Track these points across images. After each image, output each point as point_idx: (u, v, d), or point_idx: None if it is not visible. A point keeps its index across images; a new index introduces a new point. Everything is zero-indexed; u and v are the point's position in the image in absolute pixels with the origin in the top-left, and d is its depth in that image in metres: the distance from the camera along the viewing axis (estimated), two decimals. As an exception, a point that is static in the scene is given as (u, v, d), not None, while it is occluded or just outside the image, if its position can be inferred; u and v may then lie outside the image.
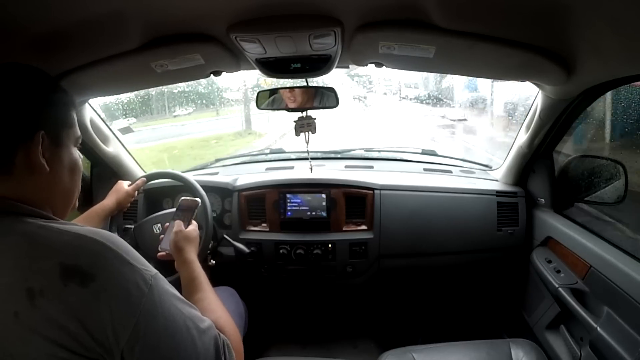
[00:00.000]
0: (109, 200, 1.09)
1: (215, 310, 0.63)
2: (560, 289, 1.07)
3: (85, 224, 1.01)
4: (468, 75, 1.15)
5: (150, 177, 1.24)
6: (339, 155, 1.77)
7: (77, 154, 0.59)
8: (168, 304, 0.49)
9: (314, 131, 1.25)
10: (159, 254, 0.89)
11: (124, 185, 1.15)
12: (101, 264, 0.46)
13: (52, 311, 0.43)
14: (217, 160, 1.79)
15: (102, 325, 0.44)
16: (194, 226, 0.87)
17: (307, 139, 1.27)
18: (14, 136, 0.49)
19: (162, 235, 0.93)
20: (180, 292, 0.55)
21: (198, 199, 0.98)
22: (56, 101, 0.54)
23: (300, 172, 1.47)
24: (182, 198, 0.99)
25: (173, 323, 0.49)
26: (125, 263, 0.47)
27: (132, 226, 1.22)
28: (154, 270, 0.51)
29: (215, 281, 1.24)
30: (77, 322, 0.43)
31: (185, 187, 1.27)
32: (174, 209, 1.23)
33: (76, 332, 0.43)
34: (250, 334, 1.19)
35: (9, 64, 0.52)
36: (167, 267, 0.83)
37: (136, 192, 1.18)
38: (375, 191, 1.36)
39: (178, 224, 0.84)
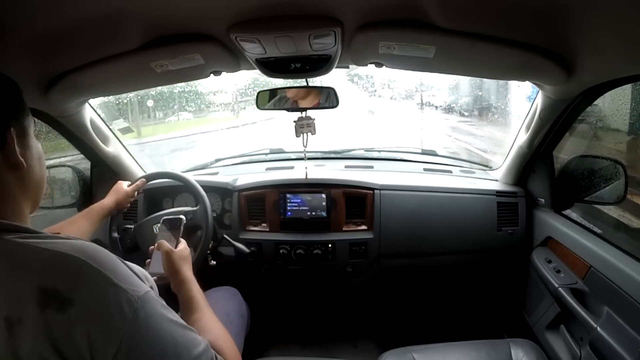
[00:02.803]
0: (109, 200, 1.09)
1: (213, 330, 0.60)
2: (560, 289, 1.07)
3: (83, 222, 1.00)
4: (468, 75, 1.15)
5: (150, 177, 1.24)
6: (339, 155, 1.77)
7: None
8: (156, 329, 0.45)
9: (313, 132, 1.24)
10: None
11: (124, 185, 1.14)
12: (81, 286, 0.42)
13: (31, 340, 0.41)
14: (217, 160, 1.79)
15: (80, 354, 0.41)
16: (183, 244, 0.82)
17: (305, 141, 1.26)
18: None
19: (148, 260, 0.86)
20: (178, 311, 0.52)
21: (182, 217, 0.92)
22: (10, 91, 0.50)
23: (301, 172, 1.47)
24: (164, 218, 0.93)
25: (161, 350, 0.45)
26: (109, 284, 0.44)
27: (132, 226, 1.22)
28: (143, 290, 0.46)
29: (216, 281, 1.25)
30: (57, 349, 0.41)
31: (185, 187, 1.27)
32: (176, 209, 1.23)
33: None
34: (250, 334, 1.19)
35: None
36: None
37: (136, 193, 1.18)
38: (375, 191, 1.36)
39: (165, 245, 0.78)
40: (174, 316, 0.49)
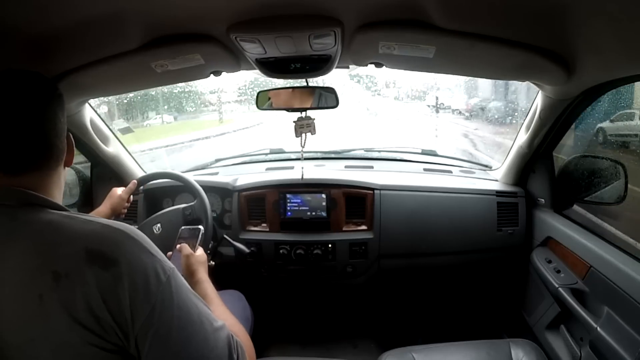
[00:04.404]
0: (104, 207, 1.11)
1: (227, 320, 0.64)
2: (560, 289, 1.07)
3: None
4: (468, 76, 1.15)
5: (144, 179, 1.25)
6: (339, 155, 1.77)
7: None
8: (184, 297, 0.51)
9: (313, 132, 1.24)
10: None
11: (117, 190, 1.16)
12: (123, 251, 0.48)
13: (77, 292, 0.45)
14: (217, 160, 1.79)
15: (121, 308, 0.46)
16: (201, 251, 0.90)
17: (303, 141, 1.25)
18: (64, 137, 0.56)
19: None
20: None
21: (200, 227, 0.99)
22: (64, 102, 0.58)
23: (300, 172, 1.47)
24: (183, 228, 1.00)
25: (187, 315, 0.50)
26: (147, 253, 0.50)
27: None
28: (172, 265, 0.53)
29: (216, 282, 1.25)
30: (100, 302, 0.45)
31: (185, 186, 1.27)
32: (174, 207, 1.23)
33: (98, 314, 0.45)
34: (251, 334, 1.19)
35: (19, 70, 0.53)
36: None
37: (130, 196, 1.18)
38: (375, 191, 1.36)
39: (186, 248, 0.86)
40: (196, 293, 0.55)
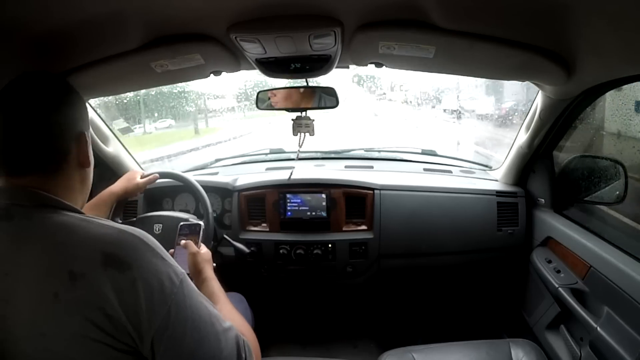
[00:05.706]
0: (118, 188, 1.08)
1: (234, 319, 0.65)
2: (560, 289, 1.07)
3: (93, 212, 1.02)
4: (468, 76, 1.15)
5: (165, 175, 1.22)
6: (339, 155, 1.77)
7: None
8: (195, 300, 0.53)
9: (312, 133, 1.23)
10: None
11: (137, 176, 1.13)
12: (138, 256, 0.50)
13: (92, 292, 0.46)
14: (217, 160, 1.79)
15: (136, 310, 0.47)
16: (205, 248, 0.89)
17: (301, 141, 1.24)
18: (69, 137, 0.56)
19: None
20: None
21: (201, 222, 0.97)
22: (83, 103, 0.61)
23: (301, 172, 1.47)
24: (182, 224, 0.96)
25: (199, 317, 0.52)
26: (160, 258, 0.52)
27: (134, 219, 1.22)
28: (183, 270, 0.54)
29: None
30: (115, 303, 0.46)
31: (186, 187, 1.27)
32: (180, 215, 1.22)
33: (112, 314, 0.46)
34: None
35: (39, 73, 0.56)
36: None
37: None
38: (375, 191, 1.36)
39: (192, 246, 0.85)
40: (204, 295, 0.57)
